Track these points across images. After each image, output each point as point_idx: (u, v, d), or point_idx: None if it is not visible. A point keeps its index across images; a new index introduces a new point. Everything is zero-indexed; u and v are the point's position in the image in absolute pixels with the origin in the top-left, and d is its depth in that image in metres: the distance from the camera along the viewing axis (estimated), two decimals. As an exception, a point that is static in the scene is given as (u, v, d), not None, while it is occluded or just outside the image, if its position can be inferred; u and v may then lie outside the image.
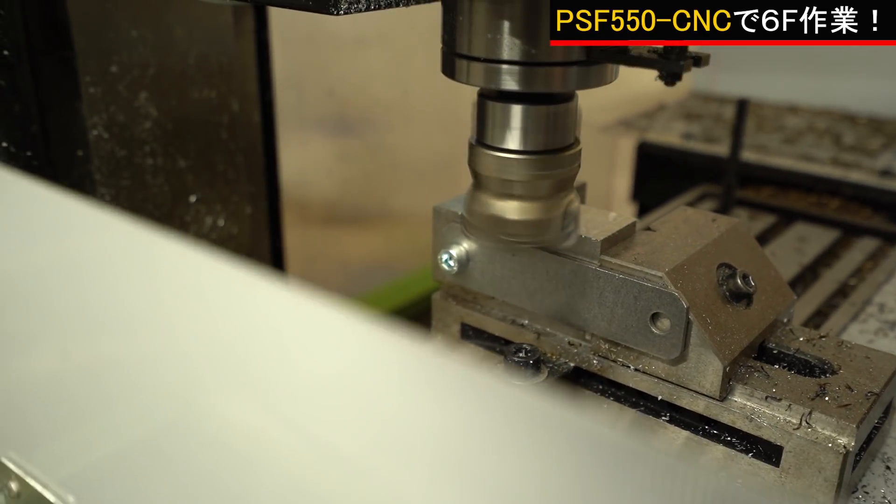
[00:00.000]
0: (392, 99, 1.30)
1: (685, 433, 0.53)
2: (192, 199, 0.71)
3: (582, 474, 0.25)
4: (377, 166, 1.32)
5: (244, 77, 0.75)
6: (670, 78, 0.44)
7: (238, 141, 0.73)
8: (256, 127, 0.78)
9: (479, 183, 0.52)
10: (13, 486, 0.38)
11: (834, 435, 0.47)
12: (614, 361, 0.55)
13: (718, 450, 0.51)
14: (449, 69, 0.49)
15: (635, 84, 1.39)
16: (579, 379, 0.57)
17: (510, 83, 0.47)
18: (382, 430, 0.30)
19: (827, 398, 0.49)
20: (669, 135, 1.19)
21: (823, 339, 0.55)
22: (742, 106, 0.92)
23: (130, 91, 0.64)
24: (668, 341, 0.51)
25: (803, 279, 0.82)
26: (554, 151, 0.50)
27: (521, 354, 0.54)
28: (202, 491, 0.36)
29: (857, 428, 0.46)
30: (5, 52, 0.58)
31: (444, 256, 0.59)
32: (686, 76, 0.46)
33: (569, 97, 0.50)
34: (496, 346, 0.61)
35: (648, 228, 0.57)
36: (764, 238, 0.91)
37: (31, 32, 0.60)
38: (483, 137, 0.51)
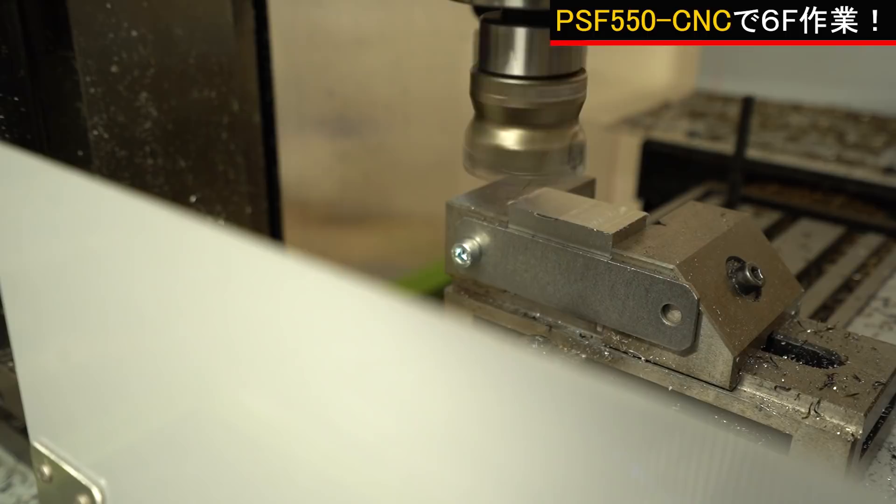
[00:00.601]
0: (392, 99, 1.29)
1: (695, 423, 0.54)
2: (192, 199, 0.71)
3: (607, 448, 0.26)
4: (377, 166, 1.32)
5: (244, 77, 0.75)
6: None
7: (238, 141, 0.73)
8: (256, 127, 0.78)
9: (481, 113, 0.51)
10: (46, 470, 0.39)
11: (842, 423, 0.48)
12: (625, 353, 0.56)
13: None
14: None
15: (640, 83, 1.40)
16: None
17: (515, 0, 0.46)
18: (401, 419, 0.31)
19: (835, 388, 0.50)
20: (674, 133, 1.20)
21: (831, 331, 0.56)
22: (747, 104, 0.93)
23: (131, 91, 0.64)
24: (679, 332, 0.52)
25: (808, 274, 0.83)
26: (559, 77, 0.49)
27: (533, 346, 0.55)
28: (225, 473, 0.37)
29: (864, 416, 0.47)
30: (5, 52, 0.58)
31: (458, 250, 0.60)
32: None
33: None
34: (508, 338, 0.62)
35: (658, 222, 0.58)
36: (769, 234, 0.92)
37: (32, 32, 0.61)
38: (486, 65, 0.49)
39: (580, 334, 0.58)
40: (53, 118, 0.63)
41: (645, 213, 0.57)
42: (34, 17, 0.61)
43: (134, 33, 0.63)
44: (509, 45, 0.48)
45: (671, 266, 0.51)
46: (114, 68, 0.63)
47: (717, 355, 0.51)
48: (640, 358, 0.55)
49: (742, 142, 0.95)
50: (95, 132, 0.63)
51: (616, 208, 0.58)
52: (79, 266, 0.38)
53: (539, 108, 0.49)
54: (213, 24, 0.69)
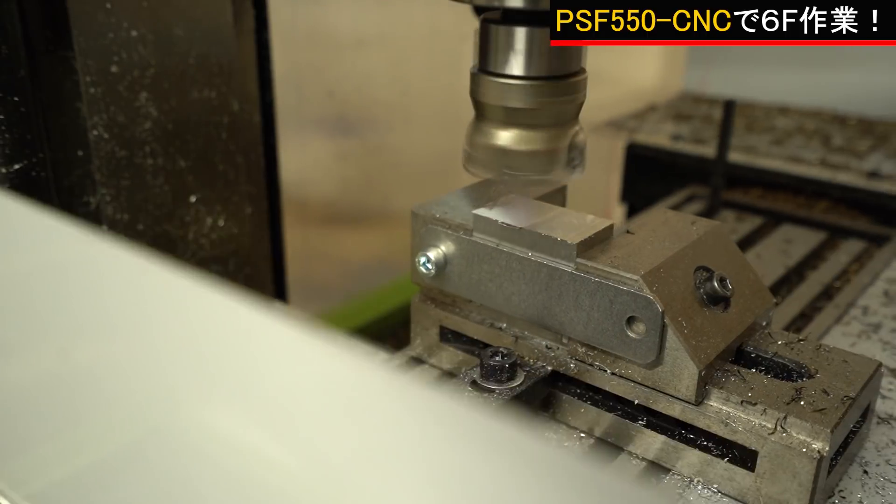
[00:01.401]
0: (392, 99, 1.29)
1: (662, 437, 0.52)
2: (192, 199, 0.71)
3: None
4: (377, 166, 1.32)
5: (244, 77, 0.75)
6: None
7: (238, 141, 0.73)
8: (256, 127, 0.78)
9: (481, 114, 0.51)
10: None
11: (808, 440, 0.47)
12: (591, 365, 0.54)
13: (695, 454, 0.51)
14: None
15: (626, 85, 1.39)
16: (557, 383, 0.57)
17: (515, 0, 0.45)
18: (368, 445, 0.30)
19: (802, 403, 0.49)
20: (659, 136, 1.19)
21: (802, 342, 0.55)
22: (729, 107, 0.92)
23: (130, 91, 0.64)
24: (644, 345, 0.50)
25: (788, 281, 0.82)
26: (559, 77, 0.49)
27: (497, 358, 0.54)
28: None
29: (831, 433, 0.46)
30: (5, 52, 0.58)
31: (422, 259, 0.59)
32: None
33: None
34: (475, 349, 0.61)
35: (627, 231, 0.57)
36: (751, 239, 0.91)
37: (31, 32, 0.60)
38: (486, 64, 0.49)
39: (546, 346, 0.56)
40: (53, 118, 0.63)
41: (612, 222, 0.56)
42: (34, 17, 0.60)
43: (134, 33, 0.63)
44: (509, 44, 0.48)
45: (635, 277, 0.50)
46: (114, 68, 0.63)
47: (682, 369, 0.50)
48: (605, 370, 0.54)
49: (723, 146, 0.94)
50: (95, 132, 0.63)
51: (583, 217, 0.57)
52: (12, 285, 0.37)
53: (539, 109, 0.48)
54: (213, 24, 0.69)
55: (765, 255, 0.86)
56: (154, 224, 0.68)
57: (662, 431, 0.52)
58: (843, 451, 0.51)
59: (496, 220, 0.56)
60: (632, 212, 1.21)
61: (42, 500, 0.39)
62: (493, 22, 0.49)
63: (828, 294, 0.78)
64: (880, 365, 0.53)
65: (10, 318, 0.39)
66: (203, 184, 0.71)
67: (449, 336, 0.62)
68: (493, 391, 0.53)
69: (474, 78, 0.50)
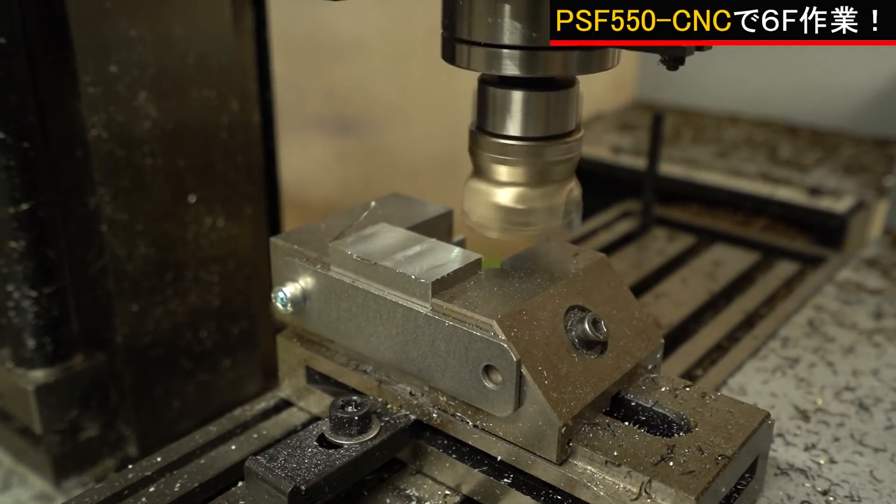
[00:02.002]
0: (392, 99, 1.29)
1: (527, 499, 0.47)
2: (192, 199, 0.70)
3: None
4: (377, 166, 1.31)
5: (244, 77, 0.74)
6: (673, 62, 0.44)
7: (238, 141, 0.72)
8: (256, 127, 0.78)
9: (479, 170, 0.51)
10: None
11: (673, 508, 0.42)
12: (453, 416, 0.49)
13: (561, 517, 0.46)
14: (449, 54, 0.49)
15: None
16: (423, 433, 0.51)
17: (511, 68, 0.46)
18: None
19: (672, 463, 0.43)
20: (599, 147, 1.14)
21: (688, 389, 0.50)
22: (657, 121, 0.87)
23: (130, 91, 0.64)
24: (501, 397, 0.45)
25: (714, 306, 0.77)
26: (555, 138, 0.49)
27: (348, 409, 0.49)
28: None
29: (696, 500, 0.41)
30: (1, 41, 0.57)
31: (280, 295, 0.54)
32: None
33: (570, 83, 0.49)
34: (344, 392, 0.55)
35: (502, 266, 0.52)
36: (679, 260, 0.86)
37: (30, 32, 0.60)
38: (484, 124, 0.50)
39: (410, 392, 0.51)
40: (52, 118, 0.63)
41: (479, 257, 0.51)
42: (33, 16, 0.60)
43: (133, 33, 0.63)
44: (506, 107, 0.48)
45: (490, 321, 0.45)
46: (113, 68, 0.62)
47: (542, 424, 0.45)
48: (468, 423, 0.48)
49: (653, 161, 0.89)
50: (94, 132, 0.62)
51: (450, 250, 0.52)
52: None
53: (536, 168, 0.49)
54: (213, 24, 0.68)
55: (690, 279, 0.81)
56: (153, 224, 0.68)
57: (529, 492, 0.47)
58: (724, 515, 0.46)
59: (351, 255, 0.51)
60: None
61: None
62: (490, 84, 0.49)
63: (750, 323, 0.73)
64: (767, 416, 0.48)
65: None
66: (203, 184, 0.70)
67: (316, 377, 0.57)
68: (340, 446, 0.48)
69: (473, 136, 0.51)
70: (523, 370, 0.44)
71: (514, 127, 0.49)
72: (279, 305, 0.54)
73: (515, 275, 0.51)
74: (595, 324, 0.48)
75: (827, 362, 0.65)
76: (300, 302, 0.54)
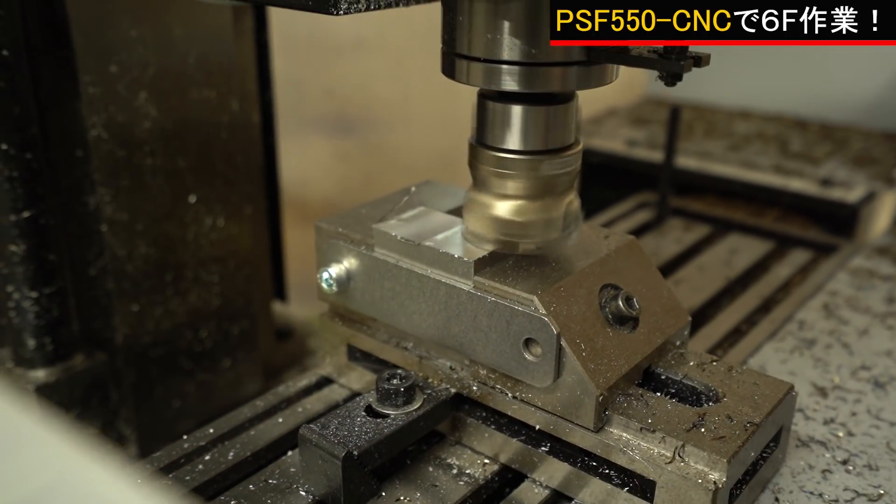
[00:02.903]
0: (392, 99, 1.30)
1: (565, 465, 0.50)
2: (192, 199, 0.70)
3: None
4: (377, 166, 1.32)
5: (244, 77, 0.75)
6: (671, 78, 0.45)
7: (238, 141, 0.73)
8: (256, 127, 0.78)
9: (479, 183, 0.52)
10: None
11: (706, 469, 0.44)
12: (493, 388, 0.52)
13: (597, 484, 0.49)
14: (449, 69, 0.50)
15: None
16: (463, 406, 0.54)
17: (510, 83, 0.47)
18: None
19: (703, 430, 0.46)
20: (614, 141, 1.17)
21: (714, 363, 0.53)
22: (674, 114, 0.90)
23: (130, 91, 0.64)
24: (541, 368, 0.48)
25: (730, 293, 0.79)
26: (554, 151, 0.50)
27: (393, 381, 0.51)
28: None
29: (728, 463, 0.44)
30: (4, 52, 0.57)
31: (324, 275, 0.56)
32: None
33: (569, 97, 0.50)
34: (384, 369, 0.58)
35: (536, 247, 0.54)
36: (696, 249, 0.89)
37: (31, 32, 0.60)
38: (483, 138, 0.51)
39: (450, 367, 0.54)
40: (52, 118, 0.63)
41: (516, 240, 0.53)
42: (33, 17, 0.60)
43: (133, 33, 0.63)
44: (506, 121, 0.49)
45: (531, 296, 0.48)
46: (113, 68, 0.63)
47: (580, 394, 0.47)
48: (507, 394, 0.51)
49: (670, 153, 0.92)
50: (94, 132, 0.62)
51: (489, 232, 0.54)
52: None
53: (535, 181, 0.50)
54: (213, 24, 0.69)
55: (708, 266, 0.83)
56: (153, 224, 0.68)
57: (566, 459, 0.50)
58: (751, 479, 0.48)
59: (395, 236, 0.53)
60: (586, 217, 1.19)
61: None
62: (489, 98, 0.50)
63: (766, 307, 0.76)
64: (791, 388, 0.50)
65: None
66: (203, 184, 0.71)
67: (357, 355, 0.59)
68: (388, 416, 0.50)
69: (472, 150, 0.52)
70: (562, 342, 0.47)
71: (513, 141, 0.49)
72: (324, 286, 0.57)
73: (550, 254, 0.53)
74: (628, 301, 0.51)
75: (842, 343, 0.68)
76: (344, 282, 0.56)
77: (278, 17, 0.88)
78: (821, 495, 0.51)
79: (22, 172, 0.60)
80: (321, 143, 1.30)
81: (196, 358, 0.75)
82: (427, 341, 0.55)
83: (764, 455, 0.50)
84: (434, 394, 0.53)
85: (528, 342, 0.48)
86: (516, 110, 0.49)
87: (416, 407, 0.51)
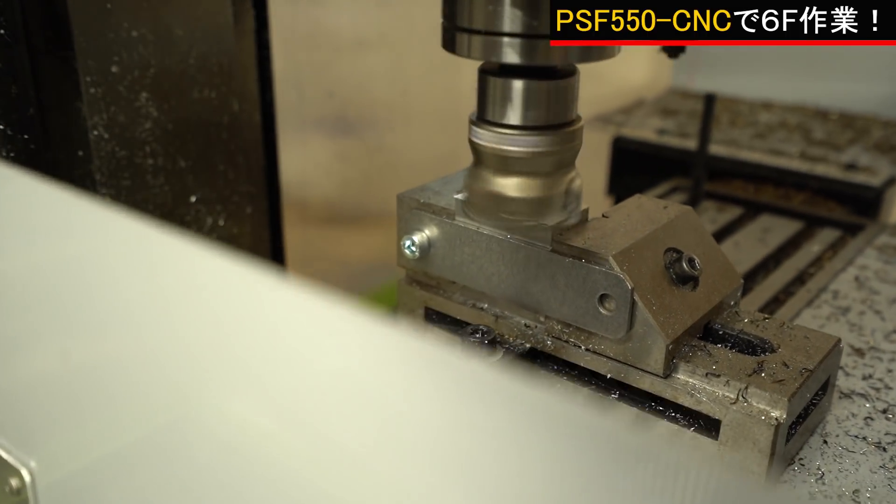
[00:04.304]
0: (392, 99, 1.29)
1: (634, 410, 0.55)
2: (193, 199, 0.71)
3: (580, 467, 0.26)
4: (377, 166, 1.32)
5: (244, 77, 0.75)
6: (673, 51, 0.46)
7: (238, 141, 0.73)
8: (256, 127, 0.78)
9: (479, 160, 0.52)
10: (13, 482, 0.40)
11: (767, 408, 0.50)
12: (567, 342, 0.57)
13: (664, 425, 0.54)
14: (449, 43, 0.50)
15: (616, 81, 1.41)
16: (535, 359, 0.59)
17: (511, 56, 0.47)
18: (384, 428, 0.30)
19: (763, 374, 0.51)
20: (645, 130, 1.22)
21: (767, 320, 0.58)
22: (709, 101, 0.95)
23: (131, 91, 0.65)
24: (615, 321, 0.53)
25: (765, 267, 0.85)
26: (555, 127, 0.50)
27: (476, 335, 0.57)
28: (206, 489, 0.36)
29: (788, 402, 0.49)
30: (5, 52, 0.58)
31: (407, 242, 0.62)
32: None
33: (570, 72, 0.50)
34: (459, 329, 0.63)
35: (603, 216, 0.60)
36: (730, 228, 0.94)
37: (32, 32, 0.61)
38: (484, 114, 0.51)
39: (525, 324, 0.59)
40: (53, 118, 0.63)
41: (587, 207, 0.59)
42: (34, 17, 0.61)
43: (134, 33, 0.64)
44: (507, 96, 0.49)
45: (607, 257, 0.53)
46: (114, 68, 0.63)
47: (651, 343, 0.53)
48: (580, 347, 0.56)
49: (704, 139, 0.97)
50: (95, 132, 0.63)
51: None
52: (49, 276, 0.38)
53: (536, 157, 0.50)
54: (213, 24, 0.69)
55: (743, 243, 0.89)
56: (154, 222, 0.69)
57: (634, 404, 0.55)
58: (803, 422, 0.54)
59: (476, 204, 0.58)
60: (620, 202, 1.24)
61: (75, 482, 0.39)
62: (490, 73, 0.50)
63: (801, 280, 0.81)
64: (839, 340, 0.56)
65: (30, 311, 0.40)
66: (203, 184, 0.71)
67: (434, 317, 0.65)
68: (473, 366, 0.56)
69: (473, 126, 0.52)
70: (635, 297, 0.52)
71: (513, 116, 0.50)
72: (407, 252, 0.62)
73: (617, 221, 0.59)
74: (691, 262, 0.56)
75: (875, 311, 0.73)
76: (426, 248, 0.62)
77: (278, 18, 0.88)
78: (864, 438, 0.56)
79: (19, 153, 0.60)
80: (321, 143, 1.27)
81: None
82: (502, 301, 0.60)
83: (814, 401, 0.55)
84: (511, 348, 0.58)
85: (602, 298, 0.53)
86: (517, 84, 0.49)
87: (497, 358, 0.57)
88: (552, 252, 0.55)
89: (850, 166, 1.04)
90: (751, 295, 0.78)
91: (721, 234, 0.92)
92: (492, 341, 0.57)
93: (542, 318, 0.58)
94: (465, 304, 0.62)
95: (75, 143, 0.64)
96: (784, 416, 0.49)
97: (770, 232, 0.91)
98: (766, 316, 0.58)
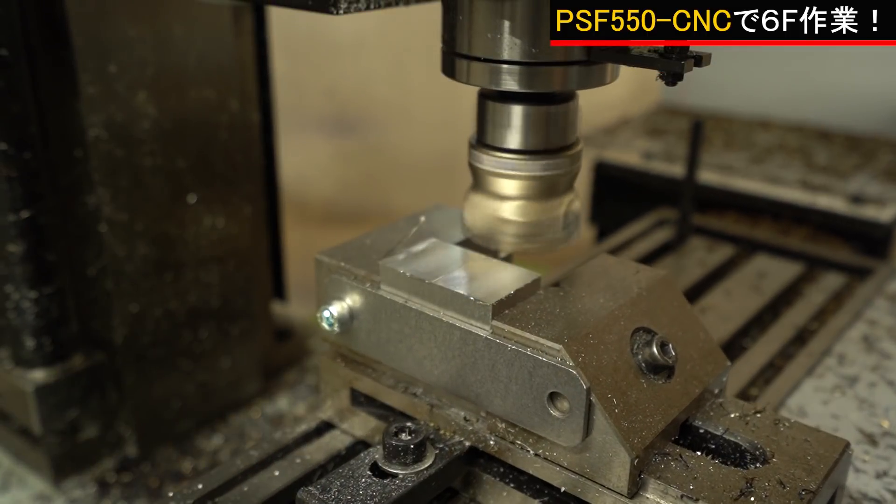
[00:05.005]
0: (392, 99, 1.31)
1: (593, 531, 0.45)
2: (192, 199, 0.70)
3: None
4: (377, 166, 1.31)
5: (244, 77, 0.74)
6: (671, 78, 0.44)
7: (237, 141, 0.72)
8: (256, 127, 0.78)
9: (479, 183, 0.51)
10: None
11: (758, 548, 0.39)
12: (512, 444, 0.47)
13: (630, 553, 0.43)
14: (449, 69, 0.49)
15: (597, 95, 1.32)
16: (478, 460, 0.49)
17: (510, 83, 0.46)
18: None
19: (753, 498, 0.41)
20: (630, 153, 1.12)
21: (759, 415, 0.47)
22: (697, 129, 0.84)
23: (129, 90, 0.64)
24: (569, 426, 0.43)
25: (760, 321, 0.74)
26: (555, 151, 0.49)
27: (402, 436, 0.46)
28: None
29: (784, 541, 0.39)
30: (3, 52, 0.57)
31: (325, 314, 0.51)
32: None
33: (569, 97, 0.50)
34: (390, 414, 0.53)
35: (556, 284, 0.49)
36: (721, 272, 0.84)
37: (29, 31, 0.60)
38: (483, 137, 0.50)
39: (464, 417, 0.49)
40: (51, 117, 0.63)
41: (538, 276, 0.48)
42: (32, 16, 0.60)
43: (132, 32, 0.63)
44: (506, 121, 0.49)
45: (557, 346, 0.42)
46: (112, 67, 0.62)
47: (612, 455, 0.42)
48: (528, 451, 0.46)
49: (692, 170, 0.86)
50: (94, 131, 0.62)
51: (510, 269, 0.49)
52: None
53: (535, 181, 0.49)
54: (213, 24, 0.68)
55: (735, 292, 0.78)
56: (153, 224, 0.68)
57: (594, 524, 0.45)
58: (804, 551, 0.43)
59: (404, 273, 0.48)
60: (602, 234, 1.14)
61: None
62: (489, 98, 0.49)
63: (801, 338, 0.70)
64: (847, 445, 0.45)
65: None
66: (202, 184, 0.70)
67: (361, 399, 0.54)
68: (396, 475, 0.45)
69: (472, 149, 0.51)
70: (593, 398, 0.42)
71: (513, 141, 0.49)
72: (325, 326, 0.51)
73: (575, 294, 0.48)
74: (663, 347, 0.46)
75: (887, 381, 0.63)
76: (347, 321, 0.51)
77: (278, 17, 0.87)
78: (879, 565, 0.45)
79: (21, 172, 0.61)
80: (321, 143, 1.30)
81: (195, 358, 0.74)
82: (438, 388, 0.49)
83: (817, 522, 0.45)
84: (447, 448, 0.48)
85: (553, 396, 0.43)
86: (516, 110, 0.48)
87: (427, 465, 0.46)
88: (492, 336, 0.45)
89: (857, 198, 0.93)
90: (744, 358, 0.67)
91: (711, 279, 0.81)
92: (420, 444, 0.46)
93: (482, 413, 0.48)
94: (395, 388, 0.52)
95: (73, 143, 0.63)
96: (779, 560, 0.39)
97: (766, 277, 0.81)
98: (757, 409, 0.48)
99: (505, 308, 0.46)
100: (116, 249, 0.66)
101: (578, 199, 0.52)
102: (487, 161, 0.50)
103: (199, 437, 0.76)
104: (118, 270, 0.66)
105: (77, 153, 0.63)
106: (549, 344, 0.43)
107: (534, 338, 0.43)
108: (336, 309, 0.51)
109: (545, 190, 0.50)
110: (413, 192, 1.35)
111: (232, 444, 0.75)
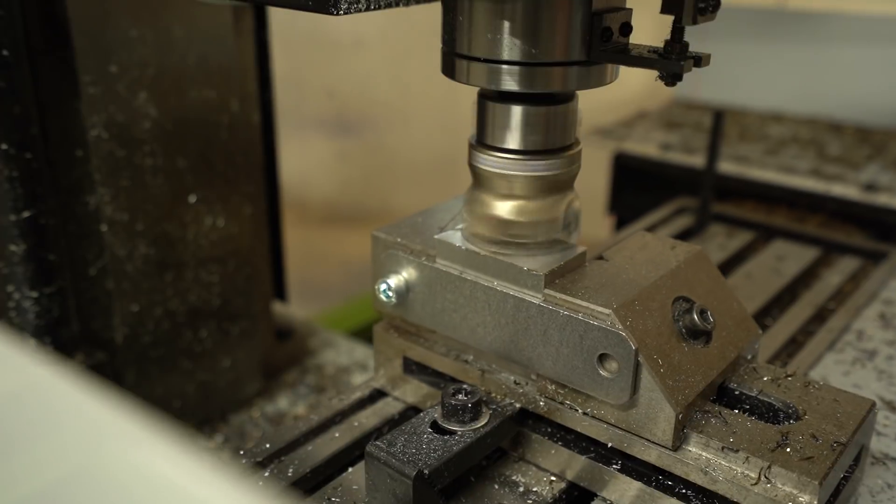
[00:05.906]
0: (392, 99, 1.31)
1: (638, 484, 0.48)
2: (192, 199, 0.70)
3: None
4: (377, 166, 1.32)
5: (244, 77, 0.75)
6: (671, 78, 0.44)
7: (238, 141, 0.72)
8: (256, 127, 0.78)
9: (479, 183, 0.52)
10: None
11: (795, 492, 0.43)
12: (562, 404, 0.50)
13: (673, 503, 0.47)
14: (449, 69, 0.50)
15: (614, 90, 1.35)
16: (526, 421, 0.52)
17: (510, 83, 0.47)
18: None
19: (789, 449, 0.44)
20: (647, 145, 1.15)
21: (790, 378, 0.51)
22: (718, 118, 0.88)
23: (130, 91, 0.64)
24: (617, 385, 0.46)
25: (780, 301, 0.78)
26: (554, 151, 0.50)
27: (459, 397, 0.50)
28: None
29: (819, 485, 0.42)
30: (4, 52, 0.57)
31: (382, 286, 0.55)
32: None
33: (569, 97, 0.50)
34: (441, 381, 0.57)
35: (601, 257, 0.53)
36: (741, 256, 0.87)
37: (30, 32, 0.60)
38: (483, 138, 0.51)
39: (514, 381, 0.52)
40: (52, 117, 0.63)
41: (584, 249, 0.52)
42: (33, 17, 0.60)
43: (133, 33, 0.63)
44: (505, 121, 0.49)
45: (607, 311, 0.46)
46: (113, 68, 0.62)
47: (658, 411, 0.46)
48: (577, 410, 0.49)
49: (712, 159, 0.90)
50: (94, 132, 0.62)
51: (557, 242, 0.53)
52: None
53: (535, 181, 0.50)
54: (213, 24, 0.68)
55: (755, 274, 0.82)
56: (153, 224, 0.68)
57: (638, 477, 0.48)
58: (835, 500, 0.47)
59: (459, 246, 0.52)
60: (620, 224, 1.17)
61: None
62: (489, 98, 0.49)
63: (821, 316, 0.74)
64: (874, 405, 0.49)
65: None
66: (203, 184, 0.70)
67: (413, 367, 0.58)
68: (454, 433, 0.49)
69: (472, 149, 0.51)
70: (640, 358, 0.45)
71: (513, 141, 0.49)
72: (382, 297, 0.55)
73: (619, 265, 0.52)
74: (702, 314, 0.49)
75: (904, 355, 0.66)
76: (403, 293, 0.55)
77: (278, 17, 0.87)
78: (902, 516, 0.49)
79: (22, 172, 0.60)
80: (321, 142, 1.30)
81: (196, 358, 0.74)
82: (489, 354, 0.53)
83: (846, 475, 0.48)
84: (500, 409, 0.51)
85: (602, 357, 0.47)
86: (516, 110, 0.49)
87: (483, 423, 0.50)
88: (544, 303, 0.48)
89: (870, 187, 0.97)
90: (767, 334, 0.71)
91: (732, 263, 0.85)
92: (476, 404, 0.50)
93: (533, 376, 0.51)
94: (447, 355, 0.55)
95: (74, 143, 0.63)
96: (815, 502, 0.42)
97: (784, 260, 0.84)
98: (789, 373, 0.51)
99: (556, 278, 0.49)
100: (117, 249, 0.65)
101: (578, 199, 0.53)
102: (487, 161, 0.50)
103: (200, 436, 0.75)
104: (119, 270, 0.66)
105: (78, 153, 0.63)
106: (600, 309, 0.46)
107: (584, 304, 0.47)
108: (393, 281, 0.55)
109: (545, 190, 0.50)
110: (413, 192, 1.36)
111: (232, 443, 0.74)
